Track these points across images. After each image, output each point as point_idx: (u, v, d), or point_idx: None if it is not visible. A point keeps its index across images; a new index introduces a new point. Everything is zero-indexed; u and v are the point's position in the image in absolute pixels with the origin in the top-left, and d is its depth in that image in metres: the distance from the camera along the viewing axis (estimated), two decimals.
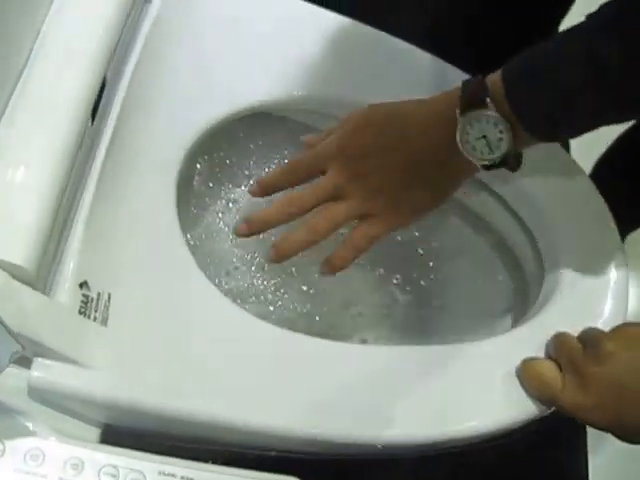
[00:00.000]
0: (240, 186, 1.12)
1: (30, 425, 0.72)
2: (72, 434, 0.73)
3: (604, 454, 1.48)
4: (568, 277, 0.93)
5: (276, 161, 1.12)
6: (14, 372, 0.70)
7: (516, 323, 0.94)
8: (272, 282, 1.06)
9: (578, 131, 0.80)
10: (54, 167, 0.73)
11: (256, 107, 0.99)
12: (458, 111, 0.79)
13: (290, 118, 1.08)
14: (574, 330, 0.83)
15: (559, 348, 0.82)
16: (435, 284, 1.12)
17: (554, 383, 0.79)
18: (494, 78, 0.79)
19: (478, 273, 1.11)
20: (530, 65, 0.78)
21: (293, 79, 1.00)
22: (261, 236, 1.05)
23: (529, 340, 0.86)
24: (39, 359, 0.70)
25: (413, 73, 1.04)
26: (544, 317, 0.90)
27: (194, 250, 0.84)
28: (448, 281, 1.13)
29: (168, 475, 0.72)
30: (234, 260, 1.07)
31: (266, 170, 1.13)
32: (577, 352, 0.78)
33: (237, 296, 1.02)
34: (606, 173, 1.44)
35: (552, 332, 0.84)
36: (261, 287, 1.05)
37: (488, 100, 0.78)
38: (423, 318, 1.10)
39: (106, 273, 0.77)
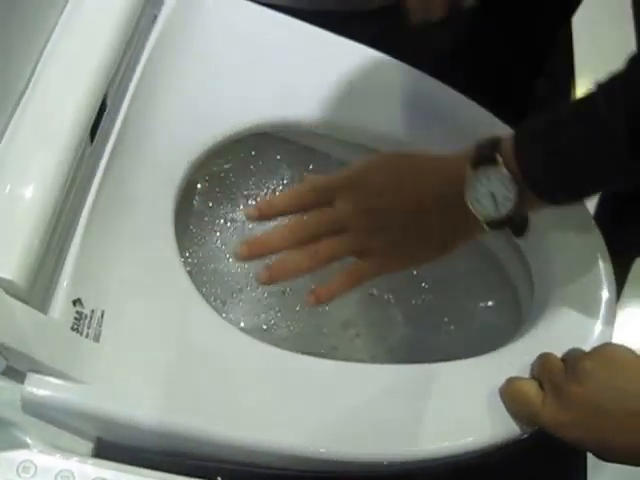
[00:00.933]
0: (239, 206, 1.12)
1: (23, 437, 0.73)
2: (65, 447, 0.74)
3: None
4: (557, 300, 0.93)
5: (275, 182, 1.13)
6: (8, 386, 0.72)
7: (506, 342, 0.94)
8: (267, 300, 1.07)
9: (584, 196, 0.82)
10: (51, 185, 0.74)
11: (255, 128, 0.99)
12: (469, 166, 0.79)
13: (290, 140, 1.09)
14: (560, 352, 0.83)
15: (541, 367, 0.82)
16: (428, 305, 1.12)
17: (534, 401, 0.79)
18: (507, 138, 0.79)
19: (471, 294, 1.11)
20: (541, 129, 0.78)
21: (293, 101, 1.00)
22: None
23: (514, 360, 0.86)
24: (32, 374, 0.71)
25: (414, 96, 1.04)
26: (531, 338, 0.91)
27: (191, 268, 0.85)
28: (441, 301, 1.13)
29: None
30: (230, 279, 1.07)
31: (265, 191, 1.13)
32: (558, 371, 0.79)
33: (233, 315, 1.02)
34: (614, 198, 1.43)
35: (537, 353, 0.84)
36: (256, 305, 1.06)
37: (499, 158, 0.77)
38: (416, 337, 1.11)
39: (101, 290, 0.78)
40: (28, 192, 0.73)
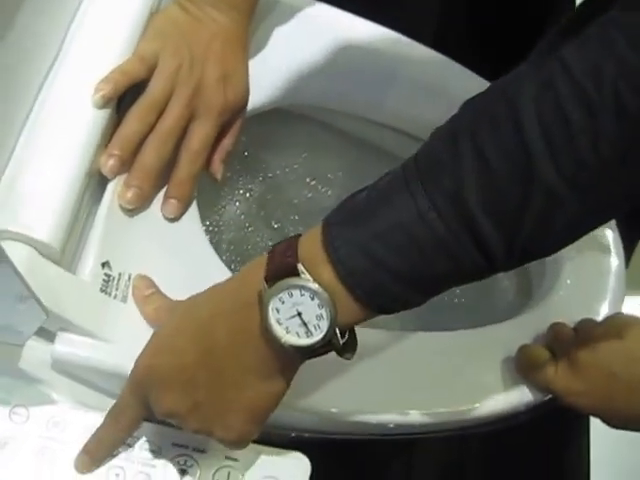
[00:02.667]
0: (258, 177, 1.13)
1: (53, 395, 0.74)
2: (91, 405, 0.75)
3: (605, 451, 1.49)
4: (567, 272, 0.94)
5: (293, 156, 1.14)
6: (38, 345, 0.72)
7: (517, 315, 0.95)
8: None
9: (430, 291, 0.59)
10: (83, 150, 0.75)
11: (272, 104, 0.99)
12: (264, 283, 0.59)
13: (307, 115, 1.09)
14: (571, 322, 0.84)
15: (553, 336, 0.83)
16: None
17: (547, 369, 0.80)
18: (310, 234, 0.60)
19: None
20: (357, 209, 0.58)
21: (308, 78, 1.00)
22: (275, 226, 1.07)
23: (527, 330, 0.87)
24: (62, 333, 0.71)
25: (422, 72, 1.04)
26: (543, 309, 0.92)
27: (212, 237, 0.85)
28: None
29: (181, 446, 0.74)
30: (249, 247, 1.08)
31: (283, 164, 1.14)
32: (570, 340, 0.80)
33: None
34: None
35: (549, 323, 0.85)
36: None
37: (299, 266, 0.58)
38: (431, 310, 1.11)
39: (127, 254, 0.78)
40: (60, 157, 0.74)
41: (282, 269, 0.59)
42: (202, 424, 0.66)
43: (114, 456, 0.73)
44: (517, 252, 0.55)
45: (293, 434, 0.84)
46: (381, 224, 0.56)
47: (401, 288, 0.57)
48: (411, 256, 0.55)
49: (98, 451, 0.72)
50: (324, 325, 0.58)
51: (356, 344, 0.64)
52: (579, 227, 0.56)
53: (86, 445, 0.72)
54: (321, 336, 0.59)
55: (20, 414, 0.73)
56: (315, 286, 0.57)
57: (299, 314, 0.59)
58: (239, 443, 0.68)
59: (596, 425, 1.37)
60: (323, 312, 0.58)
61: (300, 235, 0.61)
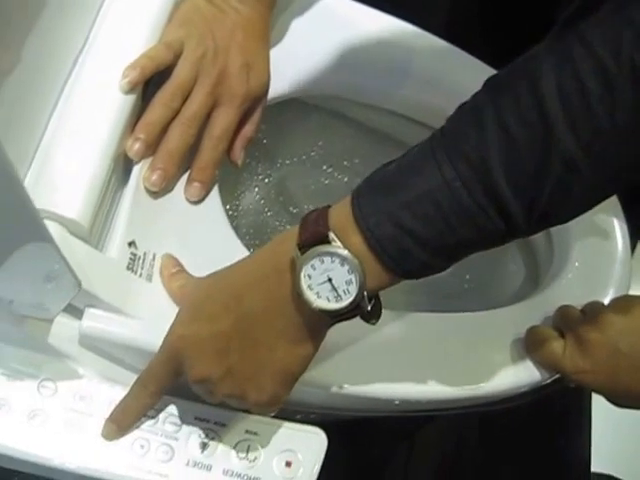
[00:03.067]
0: (276, 164, 1.14)
1: (80, 369, 0.76)
2: (117, 380, 0.77)
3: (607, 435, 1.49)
4: (574, 256, 0.96)
5: (309, 144, 1.15)
6: (66, 322, 0.74)
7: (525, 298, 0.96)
8: None
9: (453, 257, 0.62)
10: (109, 134, 0.77)
11: (290, 94, 1.00)
12: (297, 250, 0.63)
13: (322, 105, 1.11)
14: (578, 306, 0.86)
15: (562, 317, 0.85)
16: None
17: (556, 349, 0.82)
18: (340, 204, 0.63)
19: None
20: (388, 178, 0.61)
21: (325, 69, 1.01)
22: (294, 210, 1.08)
23: (535, 312, 0.89)
24: (90, 309, 0.73)
25: (433, 62, 1.05)
26: (550, 292, 0.93)
27: (231, 220, 0.86)
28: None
29: (203, 420, 0.76)
30: (268, 231, 1.09)
31: (300, 152, 1.15)
32: (579, 320, 0.82)
33: None
34: None
35: (557, 306, 0.87)
36: None
37: (330, 234, 0.61)
38: (442, 295, 1.14)
39: (152, 235, 0.80)
40: (89, 140, 0.76)
41: (314, 237, 0.61)
42: (235, 388, 0.69)
43: (139, 428, 0.75)
44: (536, 218, 0.58)
45: (298, 416, 0.86)
46: (408, 193, 0.59)
47: (426, 254, 0.59)
48: (436, 224, 0.58)
49: (124, 418, 0.75)
50: (353, 290, 0.61)
51: (381, 310, 0.67)
52: (595, 194, 0.59)
53: (113, 413, 0.74)
54: (350, 300, 0.62)
55: (48, 387, 0.75)
56: (345, 253, 0.60)
57: (329, 280, 0.62)
58: (271, 406, 0.71)
59: (598, 408, 1.40)
60: (352, 277, 0.61)
61: (330, 205, 0.63)
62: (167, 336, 0.71)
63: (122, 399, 0.75)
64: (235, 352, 0.67)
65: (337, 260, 0.61)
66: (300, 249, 0.62)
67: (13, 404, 0.73)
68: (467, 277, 1.13)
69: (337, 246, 0.61)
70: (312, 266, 0.62)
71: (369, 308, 0.64)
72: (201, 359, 0.68)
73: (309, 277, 0.62)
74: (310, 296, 0.62)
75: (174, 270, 0.79)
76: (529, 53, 0.58)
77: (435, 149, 0.59)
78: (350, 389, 0.80)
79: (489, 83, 0.59)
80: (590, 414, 1.43)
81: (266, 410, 0.72)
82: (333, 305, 0.62)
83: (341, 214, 0.62)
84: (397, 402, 0.82)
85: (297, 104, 1.05)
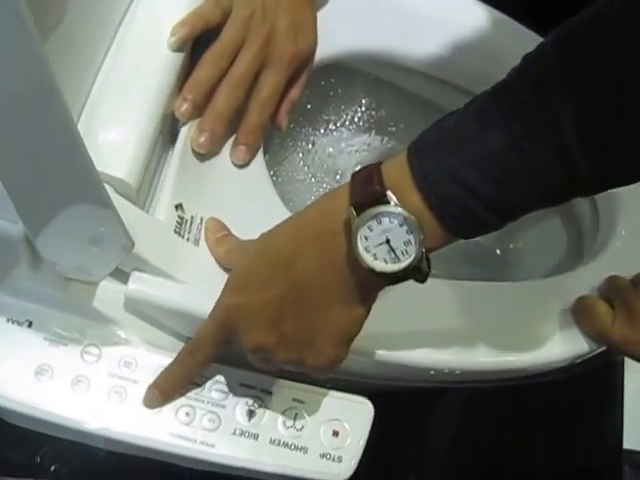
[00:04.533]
0: (319, 129, 1.11)
1: (124, 335, 0.73)
2: (162, 346, 0.74)
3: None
4: (623, 225, 0.93)
5: (353, 109, 1.12)
6: (112, 286, 0.71)
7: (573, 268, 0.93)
8: None
9: (513, 217, 0.58)
10: (158, 93, 0.74)
11: (336, 57, 0.97)
12: (352, 211, 0.58)
13: (366, 72, 1.07)
14: (627, 275, 0.83)
15: (611, 287, 0.82)
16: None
17: (605, 318, 0.79)
18: (394, 161, 0.59)
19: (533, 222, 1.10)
20: (447, 136, 0.57)
21: (370, 33, 0.98)
22: (337, 177, 1.05)
23: (582, 282, 0.86)
24: (136, 273, 0.70)
25: (483, 30, 1.01)
26: (598, 262, 0.90)
27: (275, 186, 0.84)
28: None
29: (249, 388, 0.73)
30: (311, 197, 1.07)
31: (343, 117, 1.12)
32: (628, 290, 0.79)
33: None
34: None
35: (605, 276, 0.84)
36: None
37: (389, 193, 0.57)
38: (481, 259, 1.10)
39: (199, 198, 0.77)
40: (137, 99, 0.73)
41: (370, 197, 0.58)
42: (292, 354, 0.66)
43: (184, 395, 0.72)
44: (607, 178, 0.55)
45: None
46: (473, 152, 0.55)
47: (488, 214, 0.56)
48: (503, 184, 0.55)
49: (169, 387, 0.72)
50: (412, 250, 0.58)
51: (430, 270, 0.62)
52: None
53: (157, 380, 0.72)
54: (409, 261, 0.58)
55: (92, 353, 0.72)
56: (405, 212, 0.57)
57: (387, 241, 0.58)
58: (330, 368, 0.67)
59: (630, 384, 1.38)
60: (411, 238, 0.57)
61: (380, 163, 0.59)
62: (217, 305, 0.68)
63: (168, 366, 0.72)
64: (289, 318, 0.64)
65: (395, 221, 0.57)
66: (355, 209, 0.58)
67: (56, 370, 0.71)
68: (511, 246, 1.09)
69: (396, 206, 0.57)
70: (369, 227, 0.58)
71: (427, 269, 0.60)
72: (255, 328, 0.65)
73: (365, 239, 0.58)
74: (367, 258, 0.58)
75: (220, 234, 0.76)
76: (589, 9, 0.54)
77: (501, 105, 0.55)
78: (387, 356, 0.77)
79: (557, 36, 0.55)
80: (622, 390, 1.41)
81: (324, 373, 0.68)
82: (391, 267, 0.58)
83: (397, 172, 0.58)
84: (433, 372, 0.80)
85: (341, 69, 1.02)
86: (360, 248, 0.58)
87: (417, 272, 0.59)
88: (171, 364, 0.72)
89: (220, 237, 0.76)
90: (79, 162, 0.54)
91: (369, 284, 0.62)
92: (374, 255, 0.58)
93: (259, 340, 0.65)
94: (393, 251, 0.58)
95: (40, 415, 0.69)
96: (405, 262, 0.58)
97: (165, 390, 0.72)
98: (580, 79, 0.52)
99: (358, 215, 0.58)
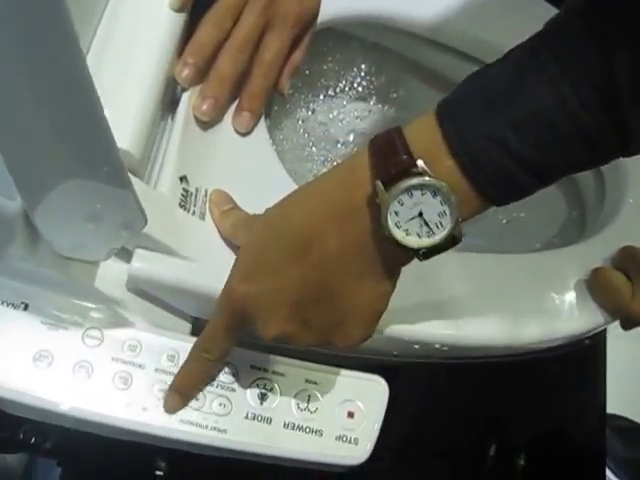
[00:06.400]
0: (319, 95, 1.07)
1: (128, 316, 0.68)
2: (167, 327, 0.69)
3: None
4: (631, 193, 0.89)
5: (353, 73, 1.08)
6: (114, 265, 0.66)
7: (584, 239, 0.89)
8: None
9: (552, 181, 0.54)
10: (159, 57, 0.70)
11: (332, 21, 0.92)
12: (379, 186, 0.53)
13: (364, 37, 1.03)
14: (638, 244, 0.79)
15: (628, 259, 0.78)
16: None
17: (624, 292, 0.75)
18: (421, 125, 0.54)
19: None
20: (484, 94, 0.52)
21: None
22: (339, 145, 1.00)
23: (595, 253, 0.82)
24: (140, 250, 0.65)
25: None
26: (609, 233, 0.86)
27: (277, 154, 0.79)
28: None
29: (260, 369, 0.69)
30: (312, 167, 1.02)
31: (343, 83, 1.08)
32: None
33: None
34: None
35: (615, 246, 0.80)
36: None
37: (420, 163, 0.52)
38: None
39: (203, 169, 0.72)
40: (138, 63, 0.68)
41: (399, 169, 0.52)
42: (317, 338, 0.61)
43: None
44: None
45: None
46: (517, 112, 0.50)
47: (529, 179, 0.52)
48: (549, 147, 0.50)
49: (188, 388, 0.66)
50: (447, 222, 0.53)
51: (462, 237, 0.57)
52: None
53: (174, 383, 0.66)
54: (445, 233, 0.53)
55: (94, 337, 0.66)
56: (440, 183, 0.51)
57: (420, 214, 0.53)
58: (359, 345, 0.62)
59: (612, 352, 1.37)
60: (446, 209, 0.52)
61: (399, 128, 0.54)
62: (227, 293, 0.62)
63: (184, 367, 0.66)
64: (312, 303, 0.59)
65: (428, 192, 0.52)
66: (383, 183, 0.52)
67: (56, 356, 0.65)
68: (513, 214, 1.04)
69: (429, 176, 0.51)
70: (399, 202, 0.52)
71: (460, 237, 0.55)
72: (274, 316, 0.59)
73: (396, 214, 0.53)
74: (398, 234, 0.53)
75: (225, 207, 0.70)
76: None
77: (545, 64, 0.49)
78: (396, 331, 0.73)
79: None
80: (605, 358, 1.40)
81: (351, 351, 0.63)
82: (425, 241, 0.54)
83: (426, 137, 0.53)
84: (443, 347, 0.75)
85: (338, 33, 0.98)
86: (391, 224, 0.53)
87: (453, 243, 0.54)
88: (186, 364, 0.66)
89: (225, 210, 0.70)
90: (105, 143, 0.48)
91: (396, 259, 0.57)
92: (406, 231, 0.53)
93: (280, 329, 0.60)
94: (426, 224, 0.53)
95: (41, 404, 0.64)
96: (440, 235, 0.53)
97: (185, 392, 0.66)
98: (631, 39, 0.47)
99: (387, 189, 0.52)
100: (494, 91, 0.51)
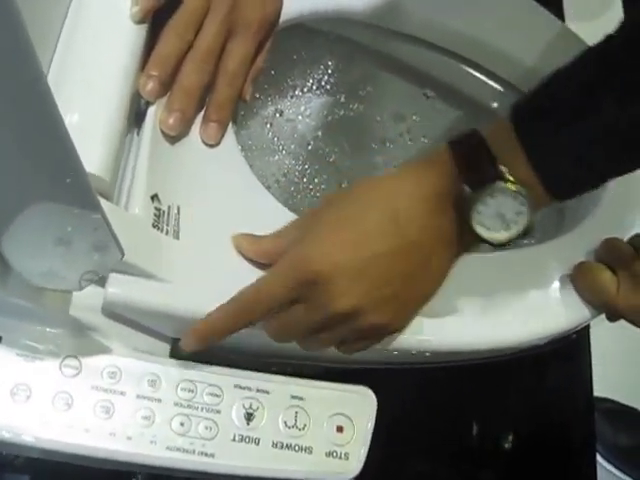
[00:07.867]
0: (286, 96, 1.05)
1: (105, 342, 0.65)
2: (145, 350, 0.67)
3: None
4: (611, 184, 0.86)
5: (320, 72, 1.06)
6: (89, 290, 0.62)
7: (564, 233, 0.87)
8: (323, 189, 1.00)
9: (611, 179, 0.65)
10: (123, 72, 0.67)
11: (298, 17, 0.90)
12: (466, 189, 0.62)
13: (328, 31, 1.01)
14: (622, 237, 0.79)
15: (612, 252, 0.77)
16: None
17: (609, 286, 0.74)
18: (500, 133, 0.63)
19: None
20: (555, 108, 0.60)
21: None
22: (310, 147, 0.99)
23: (577, 246, 0.81)
24: (114, 274, 0.63)
25: None
26: (589, 225, 0.85)
27: (246, 161, 0.77)
28: None
29: (244, 388, 0.67)
30: (285, 171, 1.00)
31: (310, 82, 1.06)
32: (631, 257, 0.74)
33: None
34: None
35: (599, 238, 0.79)
36: (313, 198, 0.99)
37: (503, 169, 0.60)
38: None
39: (173, 186, 0.70)
40: (101, 80, 0.66)
41: (486, 176, 0.61)
42: (382, 318, 0.64)
43: (176, 403, 0.65)
44: None
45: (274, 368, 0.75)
46: (588, 127, 0.58)
47: (599, 184, 0.63)
48: (617, 156, 0.60)
49: (213, 334, 0.64)
50: (522, 220, 0.62)
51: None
52: None
53: (202, 325, 0.64)
54: (520, 228, 0.62)
55: (72, 366, 0.64)
56: (520, 189, 0.60)
57: (501, 214, 0.62)
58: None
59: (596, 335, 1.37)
60: (524, 209, 0.61)
61: (477, 132, 0.63)
62: (299, 262, 0.62)
63: (215, 314, 0.64)
64: (395, 281, 0.63)
65: (510, 196, 0.61)
66: (471, 187, 0.61)
67: (34, 389, 0.63)
68: None
69: (511, 183, 0.60)
70: (483, 202, 0.61)
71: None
72: (352, 289, 0.61)
73: (478, 213, 0.62)
74: (482, 231, 0.63)
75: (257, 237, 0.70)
76: None
77: (607, 76, 0.58)
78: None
79: None
80: (589, 342, 1.40)
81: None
82: (504, 235, 0.63)
83: (506, 146, 0.61)
84: (428, 354, 0.74)
85: (301, 30, 0.95)
86: (474, 222, 0.62)
87: (525, 234, 0.63)
88: (220, 312, 0.64)
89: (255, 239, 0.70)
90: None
91: (469, 247, 0.68)
92: (487, 226, 0.62)
93: (354, 302, 0.61)
94: (504, 220, 0.62)
95: (21, 441, 0.61)
96: (516, 229, 0.62)
97: (206, 338, 0.64)
98: None
99: (473, 190, 0.61)
100: (565, 105, 0.59)
